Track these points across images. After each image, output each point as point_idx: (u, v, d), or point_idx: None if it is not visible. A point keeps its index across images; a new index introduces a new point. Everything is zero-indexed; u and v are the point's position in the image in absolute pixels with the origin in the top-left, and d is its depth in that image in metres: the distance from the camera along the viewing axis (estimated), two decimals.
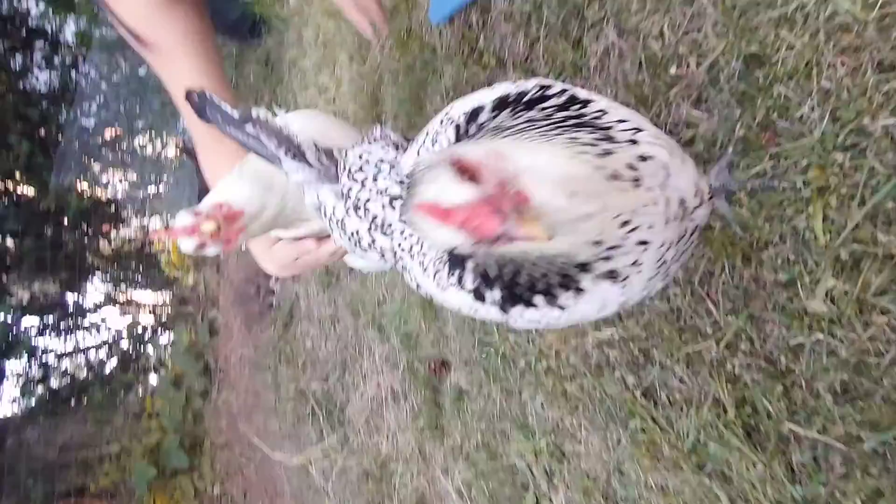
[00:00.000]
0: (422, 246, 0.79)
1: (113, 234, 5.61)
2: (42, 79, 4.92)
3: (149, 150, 5.23)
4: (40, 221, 4.51)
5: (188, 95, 0.95)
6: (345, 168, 0.92)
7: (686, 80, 1.22)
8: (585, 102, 0.69)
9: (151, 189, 5.28)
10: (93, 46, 4.83)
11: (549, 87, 0.72)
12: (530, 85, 0.73)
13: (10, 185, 4.60)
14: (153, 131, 5.14)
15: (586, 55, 1.50)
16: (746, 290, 1.09)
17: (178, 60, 1.12)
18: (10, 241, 4.37)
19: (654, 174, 0.64)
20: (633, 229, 0.61)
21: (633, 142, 0.64)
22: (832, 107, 0.95)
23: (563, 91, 0.71)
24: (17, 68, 4.82)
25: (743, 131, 1.09)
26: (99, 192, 5.15)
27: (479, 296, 0.71)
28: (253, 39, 3.98)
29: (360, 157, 0.92)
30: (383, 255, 0.87)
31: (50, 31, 4.90)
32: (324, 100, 3.08)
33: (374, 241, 0.86)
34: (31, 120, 4.64)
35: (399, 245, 0.82)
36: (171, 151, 5.25)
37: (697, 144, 1.19)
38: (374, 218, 0.85)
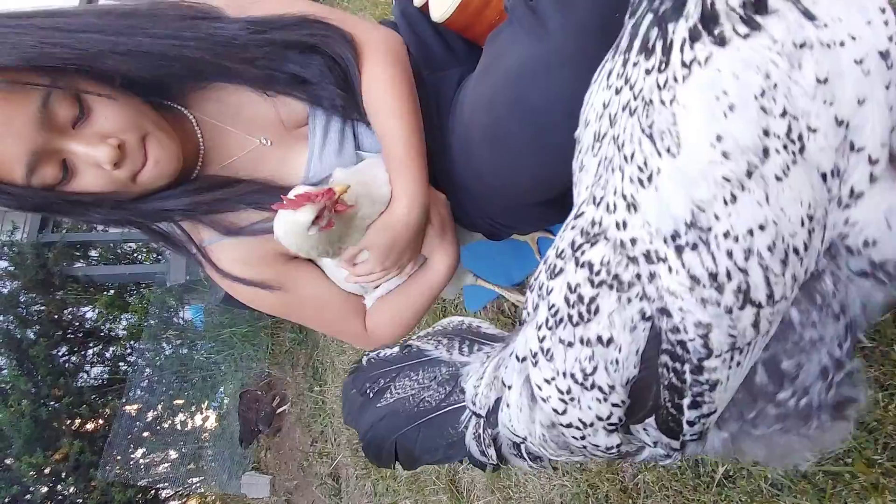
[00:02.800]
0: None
1: None
2: (93, 373, 5.29)
3: (188, 425, 5.37)
4: None
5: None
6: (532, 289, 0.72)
7: None
8: None
9: (191, 466, 5.29)
10: (141, 337, 5.30)
11: None
12: None
13: (58, 487, 4.63)
14: (193, 406, 5.34)
15: None
16: None
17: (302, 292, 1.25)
18: None
19: None
20: None
21: None
22: None
23: None
24: (72, 367, 5.21)
25: None
26: (141, 477, 5.15)
27: None
28: None
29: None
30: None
31: (103, 330, 5.41)
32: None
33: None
34: (83, 416, 4.86)
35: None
36: (210, 423, 5.38)
37: None
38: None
